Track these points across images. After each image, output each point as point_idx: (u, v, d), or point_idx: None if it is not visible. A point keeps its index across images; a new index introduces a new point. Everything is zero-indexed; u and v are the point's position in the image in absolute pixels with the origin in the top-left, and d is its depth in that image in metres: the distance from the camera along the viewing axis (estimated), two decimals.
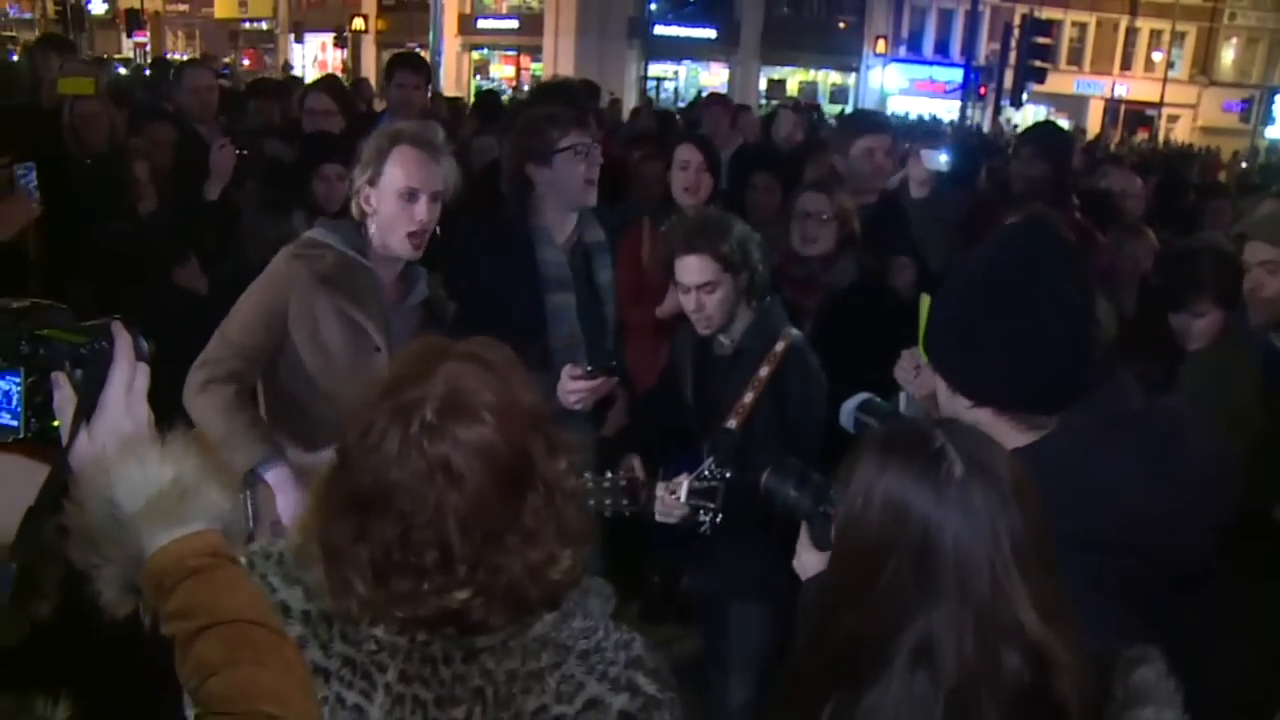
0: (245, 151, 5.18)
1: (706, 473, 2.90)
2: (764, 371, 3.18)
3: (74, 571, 1.26)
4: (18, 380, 1.25)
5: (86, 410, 1.28)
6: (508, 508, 1.45)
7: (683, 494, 2.91)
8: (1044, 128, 6.60)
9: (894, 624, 1.37)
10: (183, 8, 50.13)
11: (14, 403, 1.26)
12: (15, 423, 1.26)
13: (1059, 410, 1.95)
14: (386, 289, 3.11)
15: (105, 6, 44.97)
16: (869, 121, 5.13)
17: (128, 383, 1.30)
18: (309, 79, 12.95)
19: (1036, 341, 1.94)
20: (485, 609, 1.46)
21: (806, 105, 14.87)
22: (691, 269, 3.19)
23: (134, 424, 1.30)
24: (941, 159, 4.11)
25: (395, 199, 3.01)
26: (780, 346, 3.21)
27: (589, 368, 3.13)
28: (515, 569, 1.45)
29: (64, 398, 1.27)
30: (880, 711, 1.35)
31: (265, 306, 3.00)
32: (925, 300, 2.89)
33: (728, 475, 2.87)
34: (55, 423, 1.28)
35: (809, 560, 2.06)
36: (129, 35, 37.47)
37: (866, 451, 1.48)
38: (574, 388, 3.06)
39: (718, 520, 2.89)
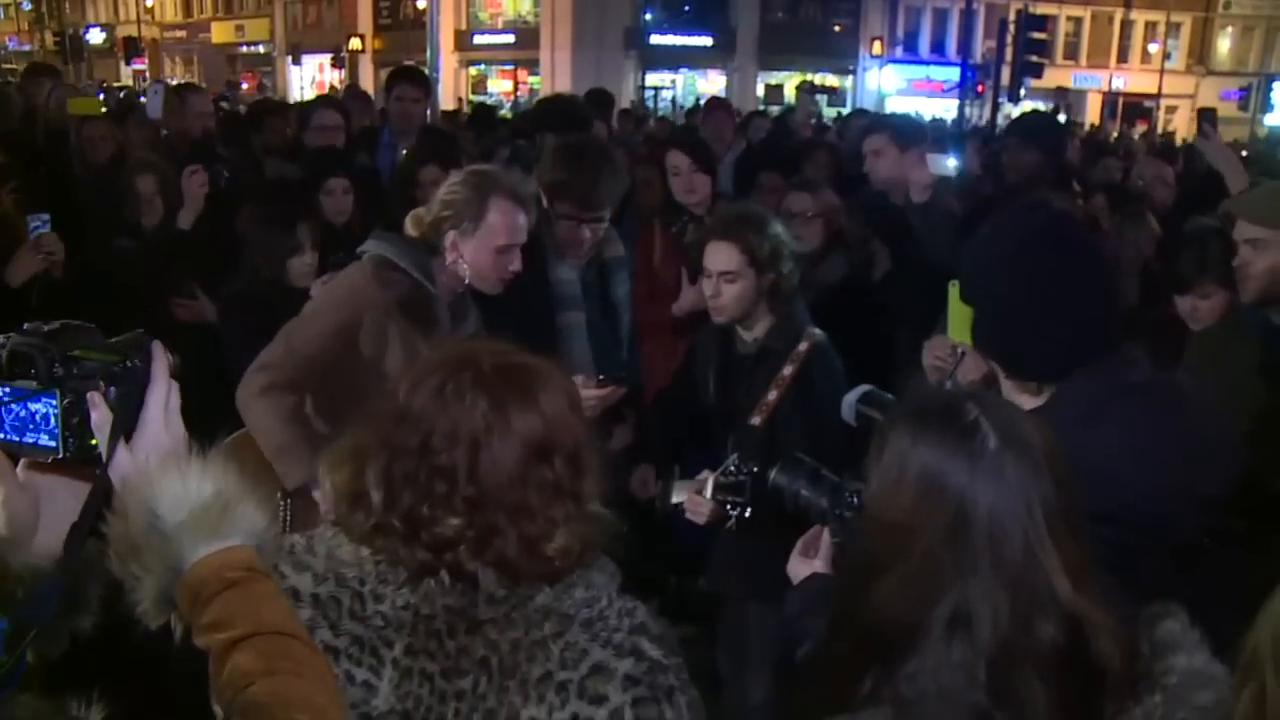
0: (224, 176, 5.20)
1: (732, 468, 2.90)
2: (788, 370, 3.19)
3: (114, 586, 1.28)
4: (54, 402, 1.26)
5: (124, 427, 1.30)
6: (518, 470, 1.54)
7: (708, 490, 2.92)
8: (1030, 116, 6.63)
9: (929, 597, 1.38)
10: (180, 34, 50.32)
11: (51, 424, 1.27)
12: (54, 443, 1.27)
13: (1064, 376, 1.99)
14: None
15: (103, 35, 45.27)
16: (879, 122, 5.12)
17: (165, 400, 1.34)
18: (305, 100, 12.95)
19: (1056, 308, 2.00)
20: (474, 554, 1.52)
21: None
22: (718, 254, 3.21)
23: (173, 440, 1.33)
24: (949, 163, 4.05)
25: (492, 253, 3.04)
26: (804, 346, 3.22)
27: (600, 377, 3.15)
28: (509, 532, 1.52)
29: (101, 416, 1.29)
30: (920, 678, 1.35)
31: (338, 323, 2.99)
32: (954, 287, 2.88)
33: (755, 470, 2.88)
34: (93, 441, 1.29)
35: (799, 568, 2.08)
36: (127, 63, 37.62)
37: (899, 424, 1.48)
38: (583, 395, 3.08)
39: (746, 515, 2.89)
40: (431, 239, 3.06)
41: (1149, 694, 1.34)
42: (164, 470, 1.28)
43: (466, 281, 3.08)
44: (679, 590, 4.86)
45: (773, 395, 3.19)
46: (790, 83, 37.73)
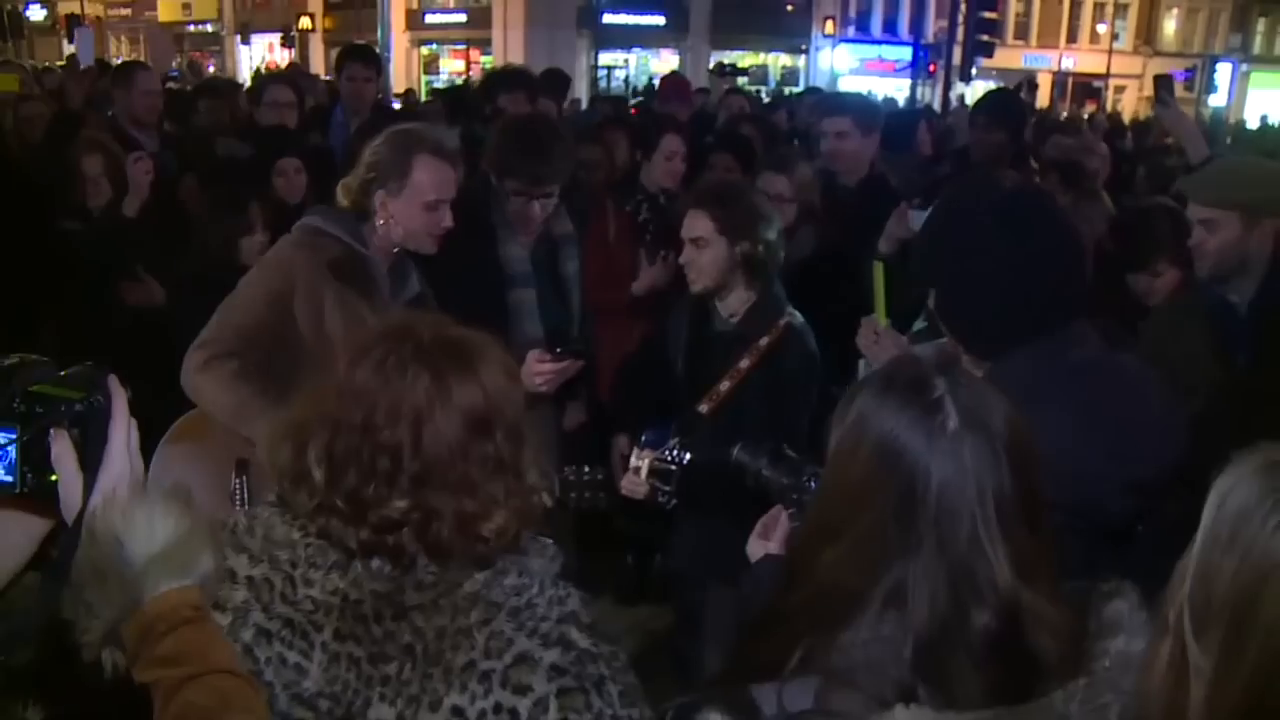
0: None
1: (668, 455, 2.90)
2: (744, 364, 3.20)
3: (55, 620, 1.28)
4: (13, 437, 1.25)
5: (93, 467, 1.30)
6: (460, 445, 1.54)
7: (644, 471, 2.92)
8: (997, 95, 6.59)
9: (871, 571, 1.37)
10: (125, 12, 49.30)
11: (9, 460, 1.26)
12: (11, 478, 1.26)
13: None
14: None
15: (44, 13, 44.25)
16: (841, 103, 4.98)
17: (126, 436, 1.34)
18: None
19: (997, 284, 2.03)
20: (417, 538, 1.52)
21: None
22: (690, 222, 3.26)
23: (134, 476, 1.34)
24: None
25: (421, 210, 3.02)
26: (773, 332, 3.22)
27: (557, 350, 3.14)
28: (447, 511, 1.51)
29: (62, 449, 1.28)
30: (851, 650, 1.35)
31: (269, 293, 2.97)
32: (878, 267, 2.94)
33: (685, 460, 2.88)
34: (53, 478, 1.29)
35: (755, 549, 2.09)
36: (70, 41, 36.85)
37: (867, 388, 1.47)
38: (540, 369, 3.07)
39: (673, 503, 2.90)
40: (361, 203, 3.05)
41: (1074, 678, 1.34)
42: (135, 504, 1.30)
43: (397, 242, 3.07)
44: (636, 569, 4.88)
45: (725, 385, 3.19)
46: (743, 62, 37.87)
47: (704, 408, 3.19)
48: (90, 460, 1.30)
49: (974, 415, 1.39)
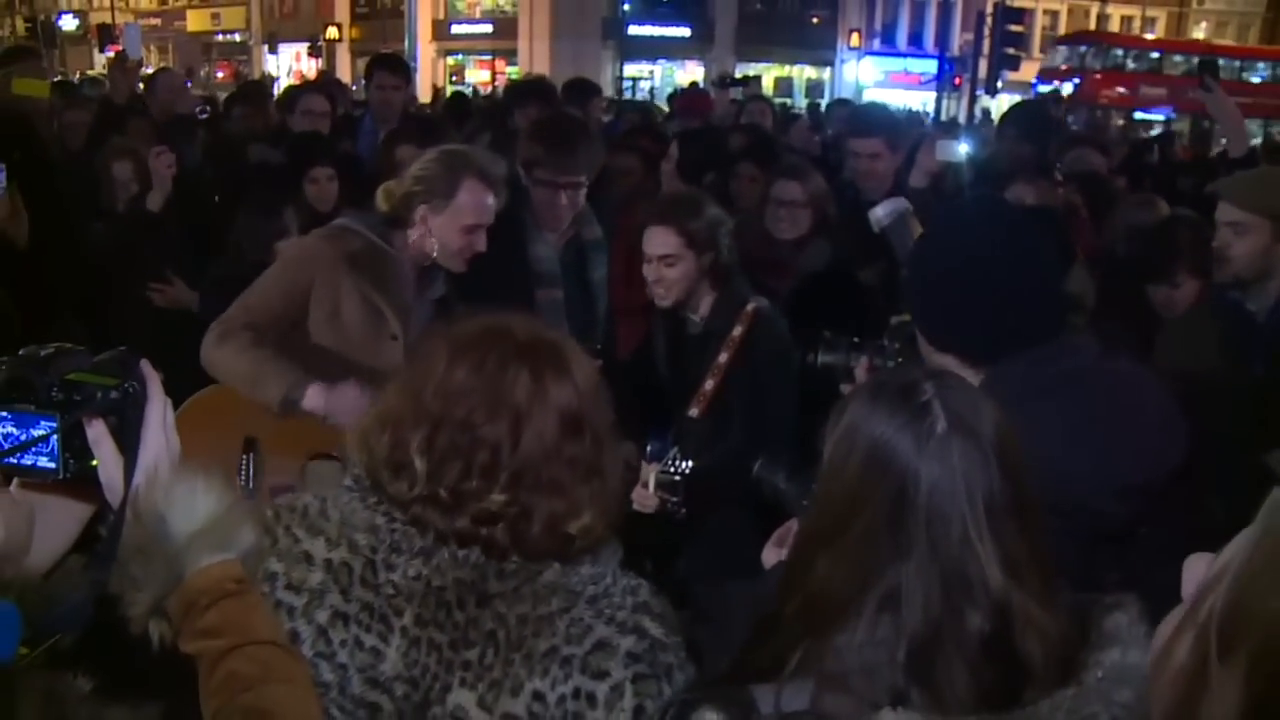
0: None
1: (670, 465, 2.93)
2: (723, 358, 3.23)
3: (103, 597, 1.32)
4: (53, 425, 1.28)
5: (132, 452, 1.34)
6: (555, 444, 1.57)
7: (650, 485, 2.96)
8: (1027, 107, 6.52)
9: (865, 575, 1.38)
10: (155, 21, 49.79)
11: (51, 447, 1.29)
12: (54, 464, 1.29)
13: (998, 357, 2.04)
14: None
15: (76, 22, 44.72)
16: (872, 124, 4.76)
17: (163, 416, 1.38)
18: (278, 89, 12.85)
19: (975, 293, 2.06)
20: (510, 532, 1.55)
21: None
22: (656, 240, 3.26)
23: (172, 454, 1.38)
24: (961, 149, 3.85)
25: (460, 231, 3.07)
26: (742, 325, 3.25)
27: None
28: (539, 510, 1.55)
29: (99, 435, 1.32)
30: (846, 654, 1.36)
31: (288, 282, 3.03)
32: None
33: (687, 468, 2.91)
34: (94, 462, 1.32)
35: (769, 557, 2.12)
36: (101, 50, 37.16)
37: (857, 396, 1.49)
38: None
39: (683, 512, 2.94)
40: (401, 211, 3.10)
41: (1064, 687, 1.33)
42: (176, 482, 1.34)
43: (429, 254, 3.11)
44: (656, 576, 4.89)
45: (709, 385, 3.22)
46: (768, 75, 37.90)
47: (694, 411, 3.22)
48: (129, 444, 1.33)
49: (962, 419, 1.40)
